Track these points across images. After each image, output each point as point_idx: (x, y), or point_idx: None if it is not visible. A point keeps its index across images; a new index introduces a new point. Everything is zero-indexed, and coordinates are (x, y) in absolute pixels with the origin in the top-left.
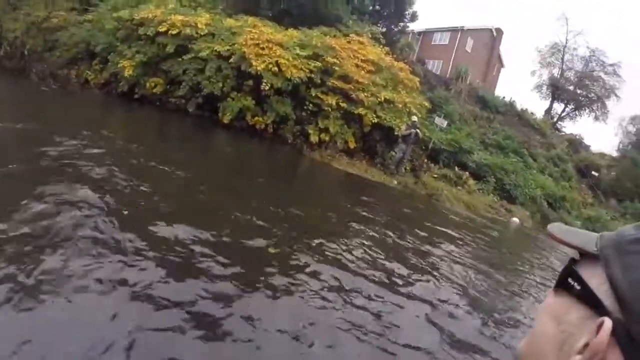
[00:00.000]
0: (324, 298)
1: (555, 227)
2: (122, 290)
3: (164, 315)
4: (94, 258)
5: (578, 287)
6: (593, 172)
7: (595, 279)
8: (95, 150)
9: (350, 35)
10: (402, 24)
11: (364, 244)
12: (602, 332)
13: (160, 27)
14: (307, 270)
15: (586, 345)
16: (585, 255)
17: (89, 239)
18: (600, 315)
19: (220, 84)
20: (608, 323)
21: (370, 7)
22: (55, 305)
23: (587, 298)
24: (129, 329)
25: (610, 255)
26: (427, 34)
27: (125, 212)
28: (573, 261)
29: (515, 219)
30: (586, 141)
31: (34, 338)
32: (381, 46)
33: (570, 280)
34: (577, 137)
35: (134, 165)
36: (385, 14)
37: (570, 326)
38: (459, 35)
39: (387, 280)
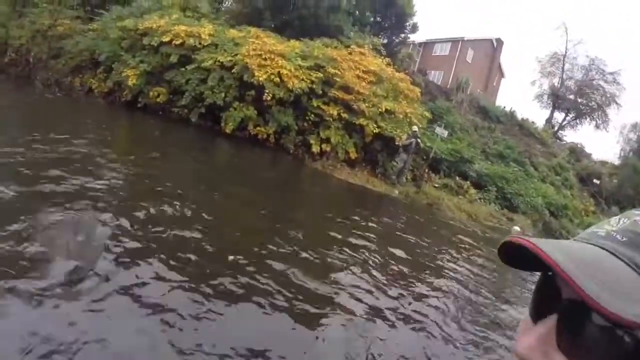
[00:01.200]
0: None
1: (566, 261)
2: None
3: None
4: None
5: None
6: (595, 180)
7: None
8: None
9: (352, 46)
10: (402, 35)
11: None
12: None
13: (164, 37)
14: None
15: None
16: None
17: None
18: None
19: (223, 94)
20: None
21: (371, 19)
22: None
23: None
24: None
25: None
26: (427, 44)
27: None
28: None
29: (517, 227)
30: (587, 149)
31: None
32: (382, 57)
33: None
34: (579, 145)
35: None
36: (386, 25)
37: None
38: (459, 46)
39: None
